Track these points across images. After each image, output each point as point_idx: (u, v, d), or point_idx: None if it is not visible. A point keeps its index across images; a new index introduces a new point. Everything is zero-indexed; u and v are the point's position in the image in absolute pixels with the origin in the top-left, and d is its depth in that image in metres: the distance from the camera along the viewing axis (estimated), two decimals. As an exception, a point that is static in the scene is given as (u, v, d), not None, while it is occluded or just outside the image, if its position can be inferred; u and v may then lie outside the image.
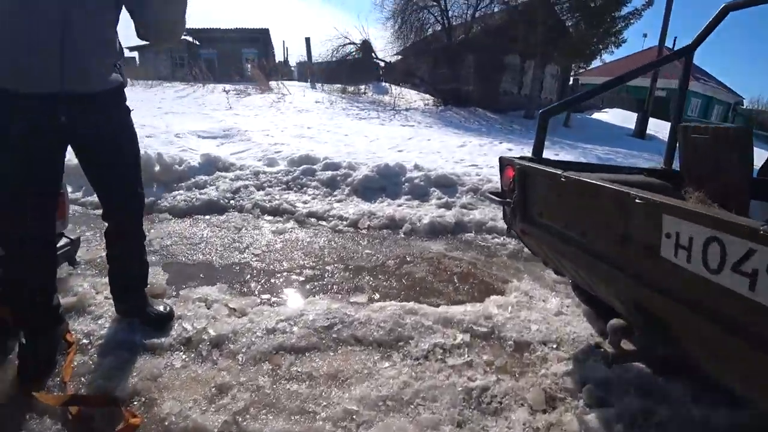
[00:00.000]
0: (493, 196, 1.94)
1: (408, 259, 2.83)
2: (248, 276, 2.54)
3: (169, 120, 8.36)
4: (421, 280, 2.53)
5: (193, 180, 4.06)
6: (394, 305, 2.12)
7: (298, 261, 2.74)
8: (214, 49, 23.34)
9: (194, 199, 3.75)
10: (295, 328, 1.95)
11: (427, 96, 13.96)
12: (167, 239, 3.12)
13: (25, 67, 1.35)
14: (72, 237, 2.33)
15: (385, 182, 4.00)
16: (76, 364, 1.70)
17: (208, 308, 2.15)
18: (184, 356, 1.80)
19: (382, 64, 15.41)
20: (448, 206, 3.70)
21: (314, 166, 4.20)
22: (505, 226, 2.15)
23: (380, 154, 5.69)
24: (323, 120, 8.90)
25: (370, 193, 3.89)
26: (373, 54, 14.53)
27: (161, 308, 2.04)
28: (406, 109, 11.49)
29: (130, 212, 1.85)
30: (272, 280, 2.49)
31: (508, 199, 1.79)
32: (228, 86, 12.11)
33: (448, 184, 4.07)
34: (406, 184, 3.97)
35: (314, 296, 2.28)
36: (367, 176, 3.98)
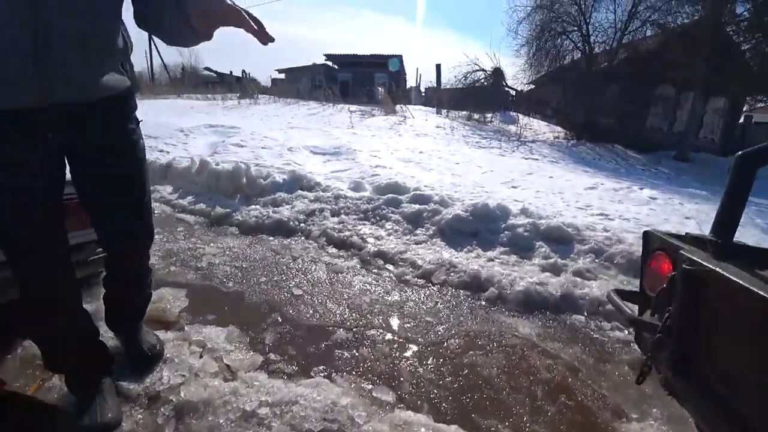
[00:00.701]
0: (623, 305, 1.03)
1: (479, 342, 2.05)
2: (270, 322, 2.07)
3: (291, 134, 8.73)
4: (486, 382, 1.75)
5: (272, 196, 3.85)
6: (425, 425, 1.41)
7: (337, 315, 2.18)
8: (350, 73, 24.97)
9: (266, 217, 3.50)
10: (275, 422, 1.38)
11: (559, 128, 12.47)
12: (219, 257, 2.86)
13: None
14: None
15: (480, 226, 3.25)
16: (48, 385, 1.53)
17: (200, 357, 1.74)
18: (139, 416, 1.44)
19: (512, 92, 14.40)
20: (556, 270, 2.80)
21: (401, 197, 3.66)
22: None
23: (489, 188, 4.92)
24: (439, 146, 8.40)
25: (458, 237, 3.18)
26: (503, 82, 13.64)
27: (148, 347, 1.68)
28: (532, 141, 10.33)
29: (126, 242, 1.48)
30: (293, 336, 1.97)
31: (651, 319, 0.94)
32: (354, 107, 12.47)
33: (562, 239, 3.14)
34: (506, 232, 3.16)
35: (329, 374, 1.69)
36: (459, 216, 3.28)
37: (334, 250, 3.03)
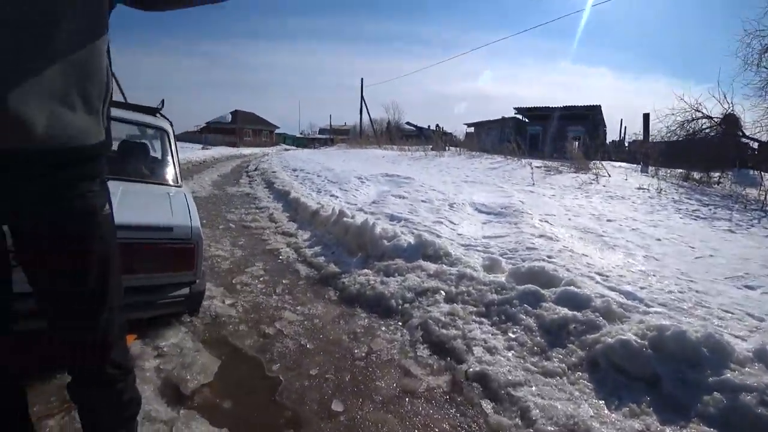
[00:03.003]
0: None
1: None
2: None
3: (462, 188, 8.25)
4: None
5: (388, 262, 3.30)
6: None
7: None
8: (540, 126, 23.26)
9: (368, 287, 2.96)
10: None
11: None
12: (292, 327, 2.46)
13: None
14: (191, 291, 2.25)
15: (665, 369, 1.95)
16: None
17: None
18: None
19: (753, 144, 10.50)
20: None
21: (545, 291, 2.62)
22: None
23: (702, 286, 3.28)
24: (637, 213, 6.55)
25: (619, 381, 1.97)
26: (738, 131, 10.07)
27: None
28: (786, 212, 7.10)
29: (79, 352, 1.11)
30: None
31: None
32: (539, 162, 11.22)
33: None
34: (718, 394, 1.80)
35: None
36: (628, 345, 2.05)
37: (425, 353, 2.24)
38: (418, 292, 2.84)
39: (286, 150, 35.14)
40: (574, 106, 23.74)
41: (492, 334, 2.34)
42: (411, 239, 3.54)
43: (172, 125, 3.40)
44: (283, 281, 3.25)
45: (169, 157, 3.15)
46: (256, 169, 13.71)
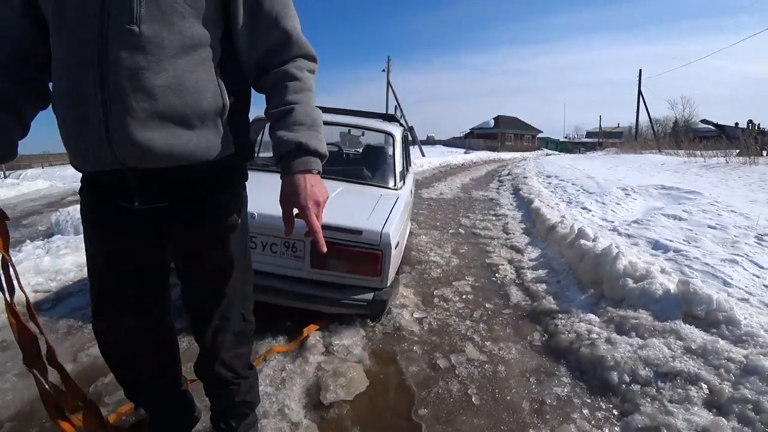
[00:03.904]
0: None
1: None
2: None
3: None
4: None
5: (627, 312, 2.41)
6: None
7: None
8: None
9: (586, 342, 2.21)
10: None
11: None
12: (467, 367, 2.04)
13: (73, 132, 0.93)
14: (374, 297, 2.24)
15: None
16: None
17: None
18: None
19: None
20: None
21: None
22: None
23: None
24: None
25: None
26: None
27: None
28: None
29: (204, 351, 1.22)
30: None
31: None
32: None
33: None
34: None
35: None
36: None
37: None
38: (661, 372, 1.90)
39: (547, 155, 33.64)
40: None
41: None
42: (670, 285, 2.49)
43: (405, 130, 3.47)
44: (486, 305, 2.84)
45: (392, 161, 3.22)
46: (508, 174, 13.43)
